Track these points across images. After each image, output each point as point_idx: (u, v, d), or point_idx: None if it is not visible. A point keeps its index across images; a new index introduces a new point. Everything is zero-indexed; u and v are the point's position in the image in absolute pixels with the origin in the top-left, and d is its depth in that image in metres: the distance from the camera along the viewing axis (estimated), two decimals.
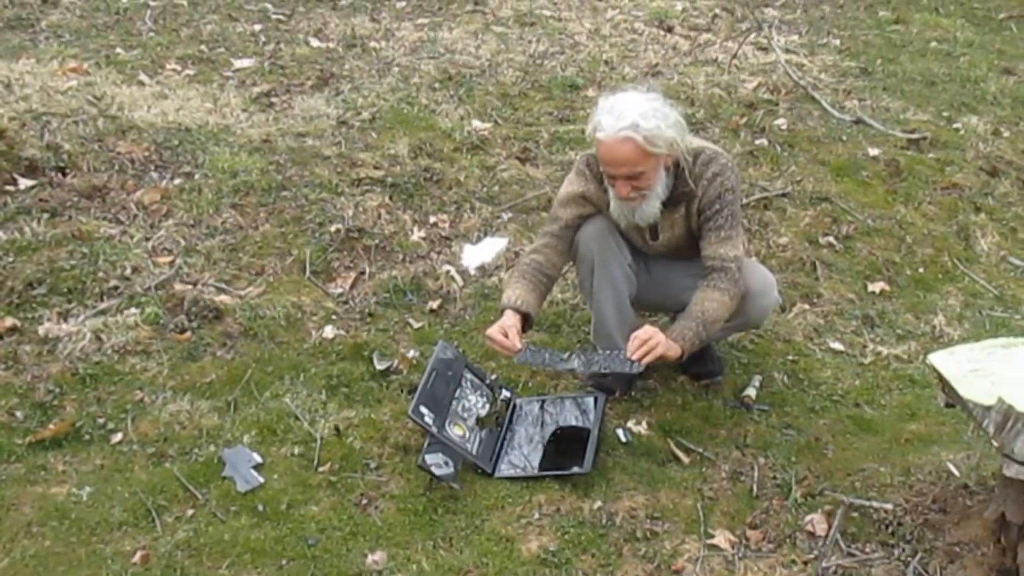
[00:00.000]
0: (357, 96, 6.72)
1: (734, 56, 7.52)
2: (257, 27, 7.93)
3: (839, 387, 4.67)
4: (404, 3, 8.72)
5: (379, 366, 4.61)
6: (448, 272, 5.25)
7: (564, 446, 4.16)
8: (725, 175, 4.12)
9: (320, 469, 4.03)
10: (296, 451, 4.11)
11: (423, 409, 4.05)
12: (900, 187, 6.13)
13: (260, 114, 6.46)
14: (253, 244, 5.28)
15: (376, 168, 5.91)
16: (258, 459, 4.05)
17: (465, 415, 4.23)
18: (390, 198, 5.69)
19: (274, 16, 8.20)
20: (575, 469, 4.03)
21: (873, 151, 6.39)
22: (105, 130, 5.97)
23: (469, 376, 4.38)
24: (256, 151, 5.97)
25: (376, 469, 4.06)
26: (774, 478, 4.07)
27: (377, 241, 5.39)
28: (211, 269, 5.10)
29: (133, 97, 6.44)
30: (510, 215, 5.70)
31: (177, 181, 5.68)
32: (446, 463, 4.00)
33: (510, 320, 4.12)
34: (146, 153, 5.86)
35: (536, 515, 3.85)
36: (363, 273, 5.21)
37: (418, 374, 4.57)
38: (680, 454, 4.20)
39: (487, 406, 4.36)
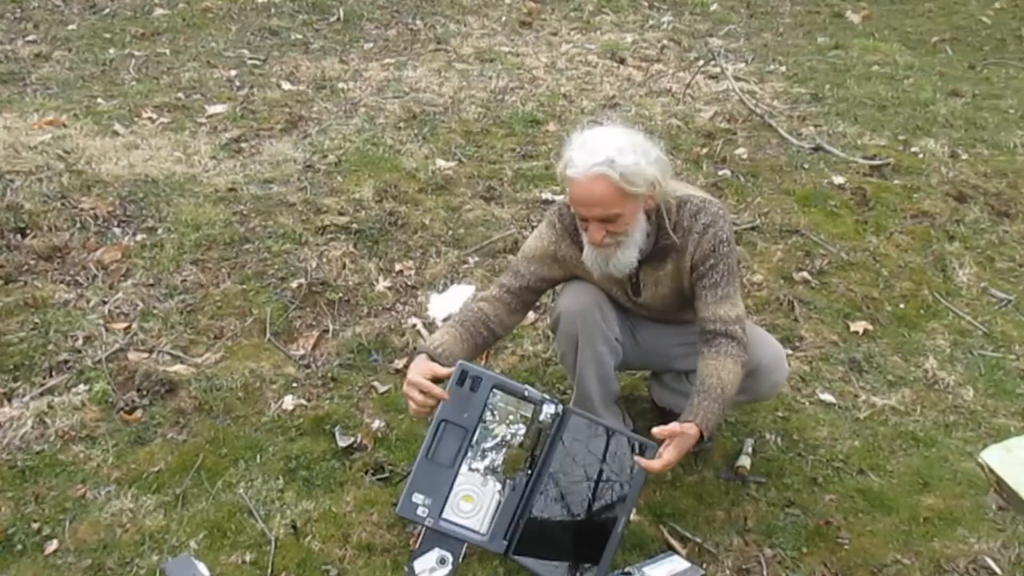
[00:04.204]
0: (324, 138, 5.58)
1: (688, 86, 6.39)
2: (233, 73, 6.77)
3: (838, 450, 3.54)
4: (372, 44, 7.55)
5: (341, 443, 3.49)
6: (414, 326, 4.13)
7: (590, 517, 2.93)
8: (718, 225, 2.98)
9: None
10: (248, 558, 3.01)
11: (417, 498, 2.83)
12: (869, 216, 4.97)
13: (228, 161, 5.32)
14: (213, 304, 4.16)
15: (341, 214, 4.79)
16: (205, 573, 2.94)
17: (484, 465, 2.89)
18: (355, 246, 4.57)
19: (249, 61, 7.03)
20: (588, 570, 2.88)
21: (838, 179, 5.24)
22: (70, 186, 4.85)
23: (498, 398, 2.87)
24: (221, 201, 4.84)
25: None
26: None
27: (341, 294, 4.27)
28: (168, 334, 3.99)
29: (103, 149, 5.31)
30: (476, 259, 4.58)
31: (139, 237, 4.56)
32: (442, 562, 2.87)
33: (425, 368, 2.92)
34: (110, 208, 4.73)
35: None
36: (326, 331, 4.09)
37: (383, 451, 3.47)
38: (676, 545, 3.08)
39: (522, 431, 2.90)
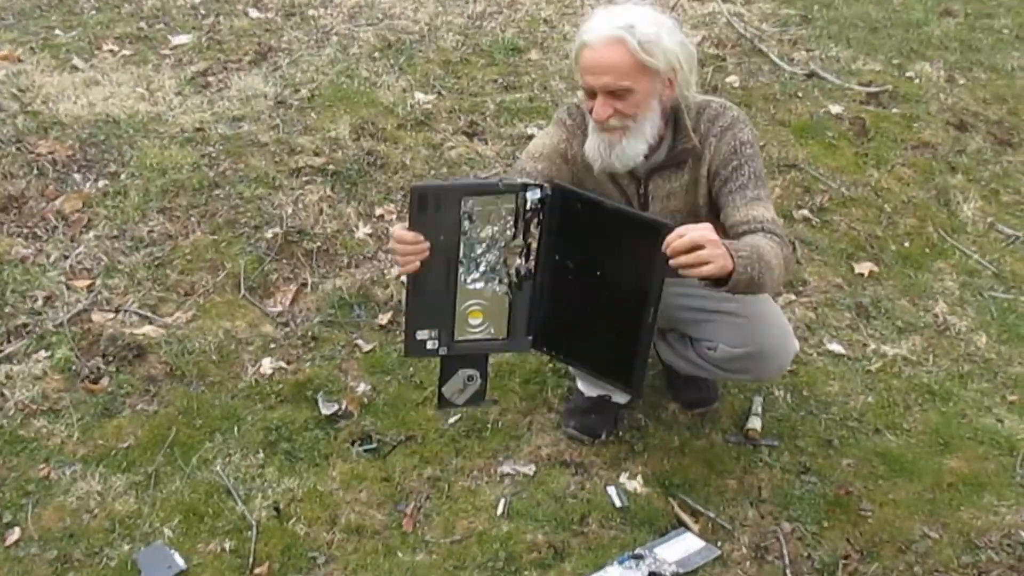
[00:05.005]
0: (295, 71, 5.17)
1: (673, 8, 5.99)
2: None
3: (851, 407, 3.26)
4: None
5: (325, 411, 3.19)
6: (398, 277, 3.80)
7: (612, 314, 2.52)
8: (738, 127, 2.66)
9: (257, 571, 2.65)
10: (228, 545, 2.72)
11: (421, 335, 2.52)
12: (869, 148, 4.62)
13: (194, 97, 4.91)
14: (182, 257, 3.82)
15: (316, 154, 4.41)
16: (180, 564, 2.65)
17: (481, 273, 2.53)
18: (332, 189, 4.21)
19: None
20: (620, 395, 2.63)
21: (834, 108, 4.87)
22: (25, 129, 4.44)
23: (472, 204, 2.43)
24: (188, 142, 4.45)
25: (326, 564, 2.68)
26: (808, 556, 2.69)
27: (319, 243, 3.93)
28: (134, 291, 3.65)
29: (62, 86, 4.88)
30: None
31: (101, 184, 4.18)
32: (469, 380, 2.62)
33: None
34: (69, 152, 4.34)
35: None
36: (304, 285, 3.76)
37: (370, 418, 3.17)
38: (687, 520, 2.80)
39: (511, 226, 2.49)
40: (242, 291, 3.68)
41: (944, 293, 3.88)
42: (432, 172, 4.38)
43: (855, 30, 5.79)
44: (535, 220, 2.50)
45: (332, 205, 4.14)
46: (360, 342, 3.52)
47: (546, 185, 2.50)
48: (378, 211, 4.15)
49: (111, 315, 3.54)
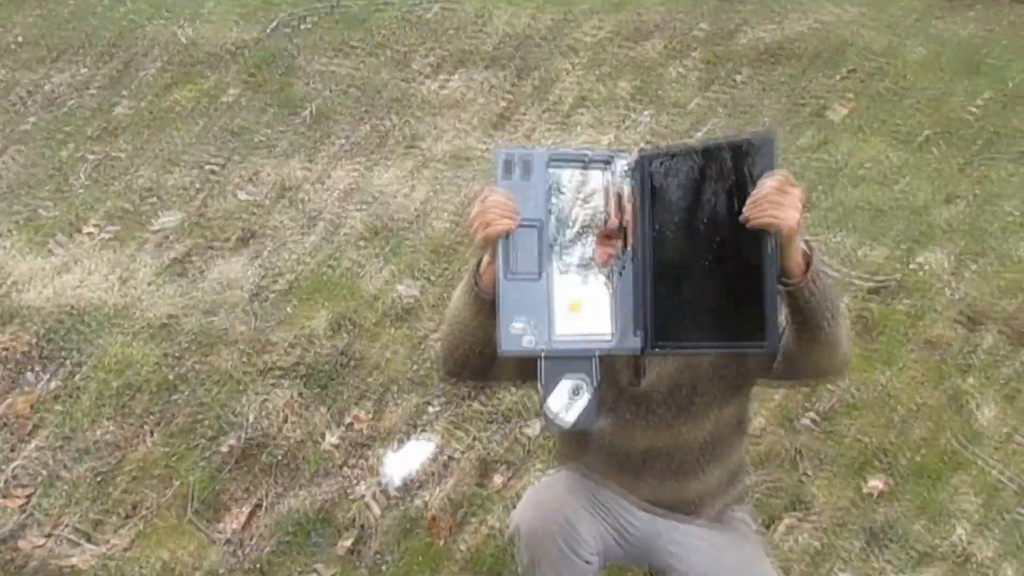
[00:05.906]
0: (278, 258, 4.86)
1: None
2: (188, 178, 6.03)
3: None
4: (341, 143, 6.82)
5: None
6: (363, 497, 3.40)
7: (727, 267, 2.09)
8: None
9: None
10: None
11: (516, 327, 2.09)
12: (877, 347, 4.21)
13: (170, 284, 4.59)
14: (129, 471, 3.44)
15: (288, 352, 4.06)
16: None
17: (576, 258, 2.16)
18: (300, 392, 3.85)
19: (207, 166, 6.29)
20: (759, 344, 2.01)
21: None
22: None
23: (559, 176, 2.15)
24: (153, 337, 4.12)
25: None
26: None
27: (280, 455, 3.54)
28: (71, 511, 3.27)
29: (32, 272, 4.60)
30: (439, 406, 3.84)
31: (54, 384, 3.85)
32: (576, 392, 2.14)
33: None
34: (26, 347, 4.03)
35: None
36: (259, 504, 3.36)
37: None
38: None
39: (602, 202, 2.18)
40: (189, 513, 3.27)
41: (964, 514, 3.42)
42: (411, 372, 4.01)
43: (858, 215, 5.44)
44: (627, 193, 2.19)
45: (299, 410, 3.76)
46: (317, 571, 3.09)
47: (633, 150, 2.19)
48: (348, 417, 3.76)
49: (42, 540, 3.15)
